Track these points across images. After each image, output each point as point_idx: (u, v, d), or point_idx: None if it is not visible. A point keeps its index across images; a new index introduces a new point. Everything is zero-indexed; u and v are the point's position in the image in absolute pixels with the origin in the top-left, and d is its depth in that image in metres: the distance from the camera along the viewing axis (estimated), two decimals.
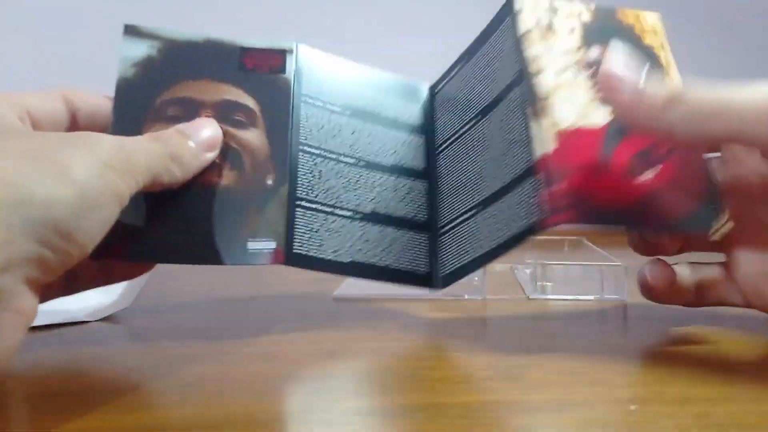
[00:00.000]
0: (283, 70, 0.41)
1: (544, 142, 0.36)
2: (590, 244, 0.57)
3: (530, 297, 0.48)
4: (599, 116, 0.37)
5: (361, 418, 0.28)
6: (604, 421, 0.27)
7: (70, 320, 0.42)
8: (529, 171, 0.36)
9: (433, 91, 0.47)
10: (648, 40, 0.41)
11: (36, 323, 0.41)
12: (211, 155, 0.37)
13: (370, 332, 0.39)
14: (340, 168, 0.41)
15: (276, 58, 0.41)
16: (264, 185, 0.38)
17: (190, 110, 0.38)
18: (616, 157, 0.36)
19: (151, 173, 0.33)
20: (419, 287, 0.41)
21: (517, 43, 0.39)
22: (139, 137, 0.34)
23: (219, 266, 0.37)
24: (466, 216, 0.40)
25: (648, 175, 0.37)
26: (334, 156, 0.41)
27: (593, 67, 0.39)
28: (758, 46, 1.04)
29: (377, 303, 0.47)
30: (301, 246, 0.38)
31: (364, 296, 0.48)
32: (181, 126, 0.37)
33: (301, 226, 0.38)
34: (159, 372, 0.34)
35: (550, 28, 0.40)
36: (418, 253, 0.42)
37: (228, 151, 0.38)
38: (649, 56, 0.40)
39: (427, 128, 0.46)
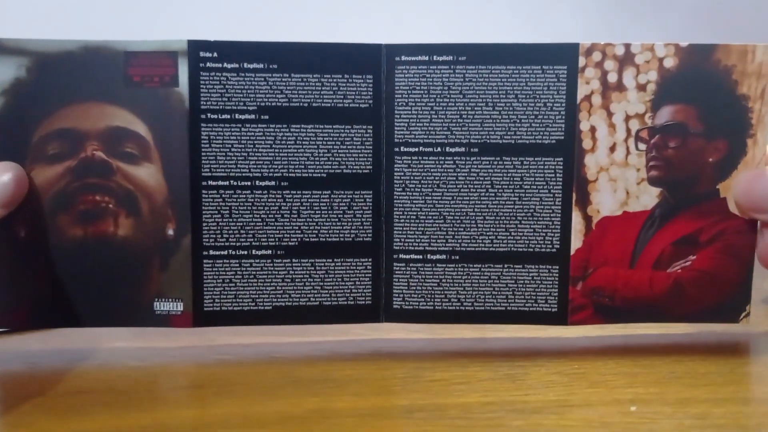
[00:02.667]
0: (175, 81, 0.34)
1: (580, 233, 0.36)
2: None
3: None
4: (646, 199, 0.36)
5: (361, 419, 0.28)
6: (604, 422, 0.27)
7: None
8: (555, 257, 0.36)
9: (394, 56, 0.36)
10: (745, 87, 0.35)
11: None
12: (4, 212, 0.32)
13: (370, 332, 0.39)
14: (256, 197, 0.35)
15: (166, 66, 0.34)
16: (165, 237, 0.35)
17: (72, 145, 0.34)
18: (649, 248, 0.36)
19: None
20: (361, 322, 0.37)
21: (571, 108, 0.35)
22: None
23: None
24: (442, 256, 0.36)
25: (677, 268, 0.36)
26: (247, 183, 0.35)
27: (655, 137, 0.35)
28: None
29: None
30: (212, 303, 0.35)
31: None
32: None
33: (211, 279, 0.35)
34: (159, 372, 0.34)
35: (617, 86, 0.35)
36: (360, 282, 0.36)
37: (121, 194, 0.34)
38: (738, 110, 0.35)
39: (377, 111, 0.36)
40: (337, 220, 0.36)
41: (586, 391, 0.30)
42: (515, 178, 0.36)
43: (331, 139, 0.35)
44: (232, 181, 0.35)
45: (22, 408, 0.29)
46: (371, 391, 0.31)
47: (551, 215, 0.36)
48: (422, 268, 0.36)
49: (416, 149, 0.36)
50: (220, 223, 0.35)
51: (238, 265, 0.35)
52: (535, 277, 0.36)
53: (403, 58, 0.36)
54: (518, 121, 0.36)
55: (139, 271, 0.34)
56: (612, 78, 0.35)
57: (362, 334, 0.39)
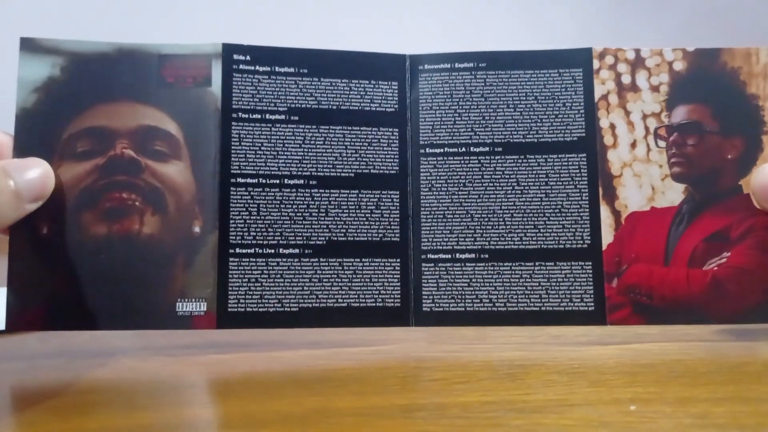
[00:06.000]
0: (208, 82, 0.35)
1: (610, 228, 0.36)
2: None
3: None
4: (672, 195, 0.36)
5: (361, 419, 0.28)
6: (604, 421, 0.27)
7: None
8: (587, 253, 0.36)
9: (418, 65, 0.38)
10: (754, 87, 0.36)
11: None
12: (33, 206, 0.32)
13: (370, 332, 0.39)
14: (285, 195, 0.35)
15: (200, 67, 0.35)
16: (191, 234, 0.34)
17: (103, 143, 0.34)
18: (681, 244, 0.36)
19: None
20: (390, 325, 0.36)
21: (589, 106, 0.37)
22: None
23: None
24: (471, 255, 0.36)
25: (713, 265, 0.35)
26: (275, 181, 0.35)
27: (673, 134, 0.36)
28: None
29: None
30: (237, 303, 0.34)
31: None
32: (2, 162, 0.31)
33: (237, 278, 0.34)
34: (159, 372, 0.34)
35: (632, 87, 0.37)
36: (388, 283, 0.36)
37: (148, 191, 0.34)
38: (749, 109, 0.36)
39: (402, 114, 0.37)
40: (365, 219, 0.36)
41: (586, 390, 0.30)
42: (540, 175, 0.36)
43: (358, 140, 0.36)
44: (260, 179, 0.35)
45: (22, 407, 0.29)
46: (371, 391, 0.31)
47: (579, 210, 0.36)
48: (451, 268, 0.36)
49: (441, 150, 0.37)
50: (247, 221, 0.35)
51: (264, 264, 0.35)
52: (568, 275, 0.36)
53: (426, 66, 0.37)
54: (539, 120, 0.37)
55: (163, 271, 0.34)
56: (626, 79, 0.37)
57: (362, 334, 0.39)
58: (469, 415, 0.28)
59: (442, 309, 0.36)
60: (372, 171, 0.36)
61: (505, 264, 0.36)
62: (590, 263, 0.36)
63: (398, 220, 0.36)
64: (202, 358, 0.36)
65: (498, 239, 0.36)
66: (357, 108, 0.36)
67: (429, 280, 0.36)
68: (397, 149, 0.37)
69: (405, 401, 0.30)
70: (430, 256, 0.36)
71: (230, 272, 0.34)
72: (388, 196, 0.36)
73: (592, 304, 0.35)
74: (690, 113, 0.36)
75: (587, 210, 0.36)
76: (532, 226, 0.36)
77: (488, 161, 0.37)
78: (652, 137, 0.37)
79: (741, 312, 0.35)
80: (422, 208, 0.36)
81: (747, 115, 0.36)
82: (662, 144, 0.36)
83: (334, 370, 0.34)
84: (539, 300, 0.36)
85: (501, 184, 0.37)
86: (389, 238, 0.36)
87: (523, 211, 0.36)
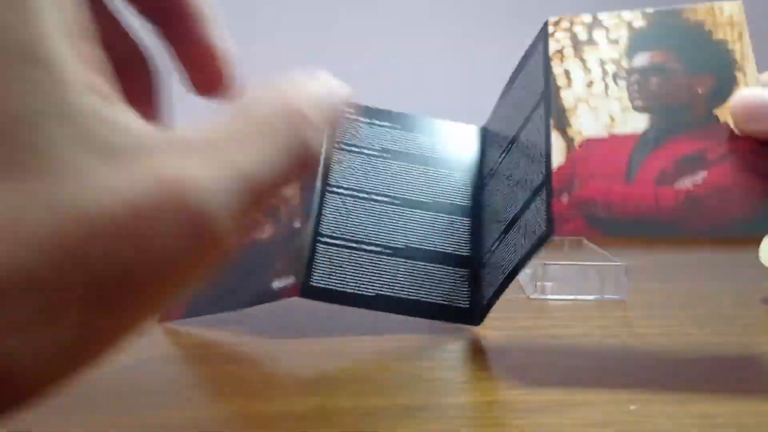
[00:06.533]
0: None
1: (562, 151, 0.34)
2: (590, 244, 0.57)
3: (531, 297, 0.48)
4: (634, 122, 0.34)
5: (361, 418, 0.28)
6: (604, 421, 0.27)
7: None
8: (543, 185, 0.34)
9: (485, 130, 0.46)
10: (721, 34, 0.35)
11: None
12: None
13: (370, 332, 0.39)
14: (372, 206, 0.41)
15: None
16: (292, 228, 0.40)
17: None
18: (646, 165, 0.33)
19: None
20: (458, 323, 0.40)
21: (546, 63, 0.37)
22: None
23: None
24: (495, 246, 0.39)
25: (687, 183, 0.32)
26: (364, 195, 0.41)
27: (636, 74, 0.35)
28: None
29: None
30: (320, 279, 0.38)
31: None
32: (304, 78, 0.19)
33: (322, 260, 0.39)
34: (159, 371, 0.34)
35: (589, 41, 0.37)
36: (458, 287, 0.40)
37: (271, 210, 0.39)
38: (717, 51, 0.35)
39: (471, 167, 0.45)
40: (439, 235, 0.42)
41: (586, 390, 0.30)
42: (525, 145, 0.39)
43: (438, 176, 0.43)
44: (353, 192, 0.41)
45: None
46: (371, 391, 0.31)
47: (540, 153, 0.36)
48: (487, 264, 0.40)
49: (485, 177, 0.43)
50: (338, 219, 0.40)
51: (349, 254, 0.39)
52: (534, 213, 0.35)
53: (488, 125, 0.46)
54: (525, 105, 0.40)
55: (269, 260, 0.40)
56: (582, 36, 0.37)
57: (361, 333, 0.39)
58: (469, 415, 0.28)
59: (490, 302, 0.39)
60: (447, 201, 0.43)
61: (510, 234, 0.38)
62: (545, 191, 0.34)
63: (469, 239, 0.42)
64: (204, 358, 0.36)
65: (506, 215, 0.39)
66: (438, 156, 0.44)
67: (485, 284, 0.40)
68: (470, 188, 0.44)
69: (405, 401, 0.30)
70: (483, 261, 0.41)
71: (317, 254, 0.38)
72: (461, 221, 0.42)
73: (545, 224, 0.33)
74: (652, 58, 0.35)
75: (543, 146, 0.35)
76: (522, 191, 0.37)
77: (505, 164, 0.41)
78: (610, 78, 0.35)
79: (722, 225, 0.31)
80: (482, 228, 0.42)
81: (715, 56, 0.34)
82: (622, 83, 0.35)
83: (334, 370, 0.34)
84: (521, 249, 0.35)
85: (511, 173, 0.40)
86: (460, 253, 0.41)
87: (518, 182, 0.38)
